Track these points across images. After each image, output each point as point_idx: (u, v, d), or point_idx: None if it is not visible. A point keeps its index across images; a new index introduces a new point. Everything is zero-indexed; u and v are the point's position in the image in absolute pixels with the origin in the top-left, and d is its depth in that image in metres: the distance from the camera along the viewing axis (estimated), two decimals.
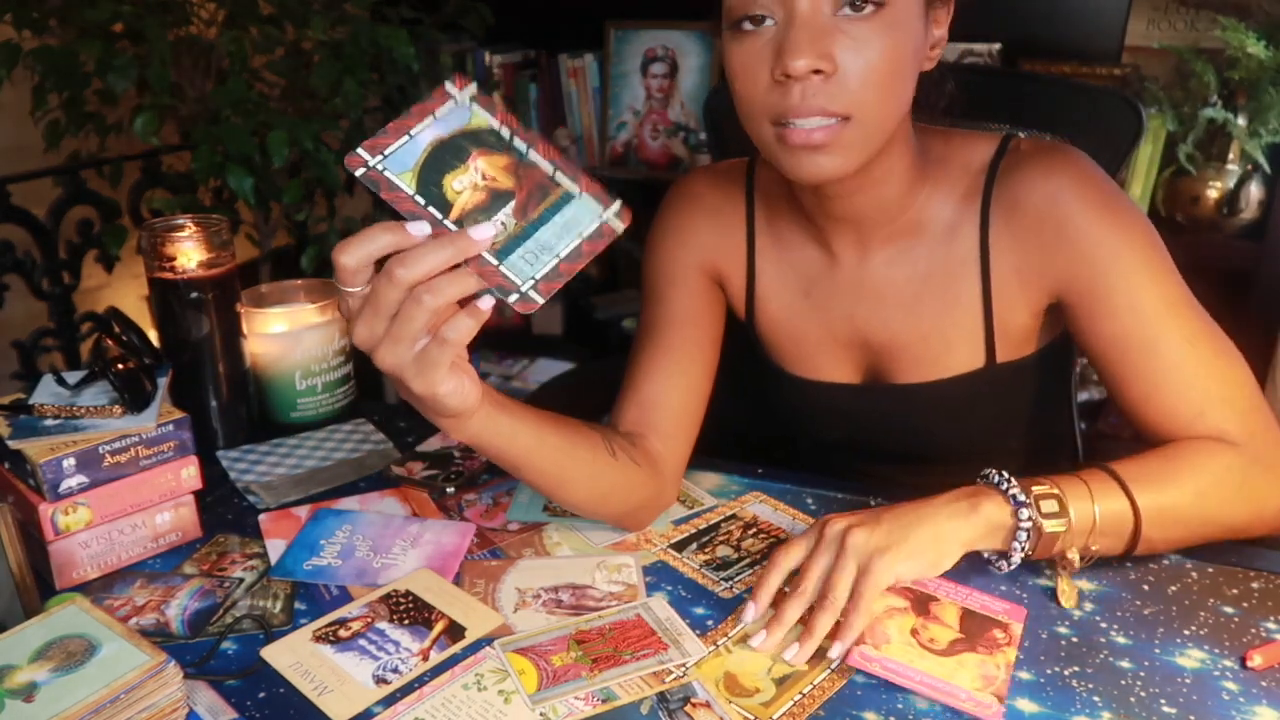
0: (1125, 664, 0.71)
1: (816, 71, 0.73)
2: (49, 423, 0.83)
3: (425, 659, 0.72)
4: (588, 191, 0.64)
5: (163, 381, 0.90)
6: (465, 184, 0.63)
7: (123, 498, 0.83)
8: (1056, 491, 0.76)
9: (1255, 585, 0.80)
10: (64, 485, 0.80)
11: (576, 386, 1.72)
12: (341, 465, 1.02)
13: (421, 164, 0.63)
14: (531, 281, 0.62)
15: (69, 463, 0.80)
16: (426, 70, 2.23)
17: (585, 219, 0.63)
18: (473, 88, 0.65)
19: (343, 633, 0.75)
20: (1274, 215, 1.69)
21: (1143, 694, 0.68)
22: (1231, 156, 1.72)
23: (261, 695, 0.70)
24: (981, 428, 0.96)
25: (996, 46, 1.92)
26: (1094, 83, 1.82)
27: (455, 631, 0.75)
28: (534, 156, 0.64)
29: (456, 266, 0.61)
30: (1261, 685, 0.69)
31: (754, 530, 0.89)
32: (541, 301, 0.62)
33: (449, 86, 0.65)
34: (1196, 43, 1.80)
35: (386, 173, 0.62)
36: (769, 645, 0.73)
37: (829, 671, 0.70)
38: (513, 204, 0.63)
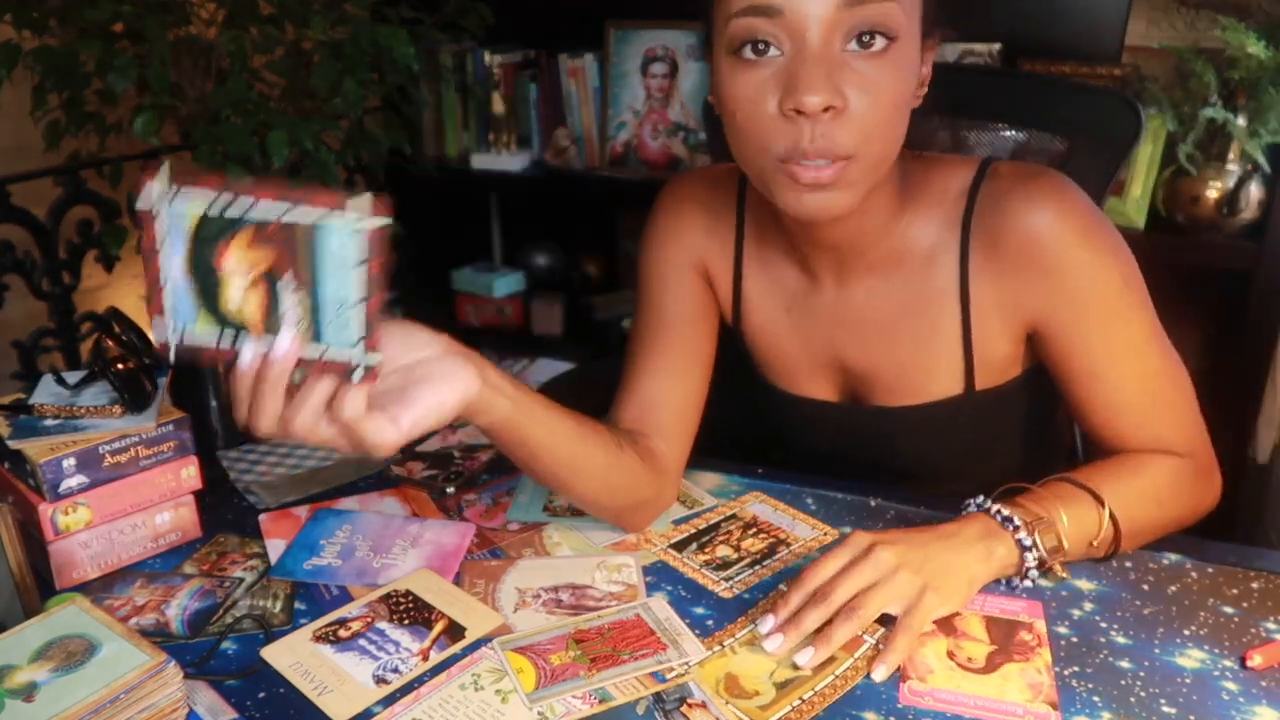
0: (1125, 664, 0.71)
1: (827, 108, 0.71)
2: (49, 423, 0.83)
3: (425, 659, 0.72)
4: (330, 209, 0.58)
5: (162, 381, 0.90)
6: (237, 295, 0.59)
7: (123, 498, 0.83)
8: (1054, 523, 0.78)
9: (1255, 585, 0.80)
10: (64, 485, 0.80)
11: (576, 386, 1.72)
12: (341, 465, 1.02)
13: (198, 302, 0.60)
14: (360, 345, 0.59)
15: (69, 463, 0.80)
16: (426, 70, 2.23)
17: (346, 241, 0.58)
18: (161, 181, 0.60)
19: (343, 633, 0.75)
20: (1274, 215, 1.69)
21: (1143, 694, 0.68)
22: (1231, 156, 1.72)
23: (261, 695, 0.70)
24: (965, 449, 0.96)
25: (996, 46, 1.92)
26: (1094, 83, 1.82)
27: (455, 631, 0.75)
28: (260, 212, 0.59)
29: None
30: (1261, 685, 0.69)
31: (754, 530, 0.89)
32: (380, 358, 0.60)
33: (140, 199, 0.59)
34: (1196, 43, 1.80)
35: (185, 335, 0.60)
36: (782, 649, 0.72)
37: (832, 678, 0.70)
38: (288, 275, 0.59)
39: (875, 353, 0.91)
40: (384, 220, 0.58)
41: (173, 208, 0.60)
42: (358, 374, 0.60)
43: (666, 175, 2.22)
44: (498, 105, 2.30)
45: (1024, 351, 0.90)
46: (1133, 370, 0.84)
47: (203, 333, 0.60)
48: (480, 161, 2.35)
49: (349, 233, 0.58)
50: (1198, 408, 0.87)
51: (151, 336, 0.61)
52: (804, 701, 0.68)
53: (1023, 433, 0.98)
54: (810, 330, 0.93)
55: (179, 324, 0.60)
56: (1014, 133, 1.08)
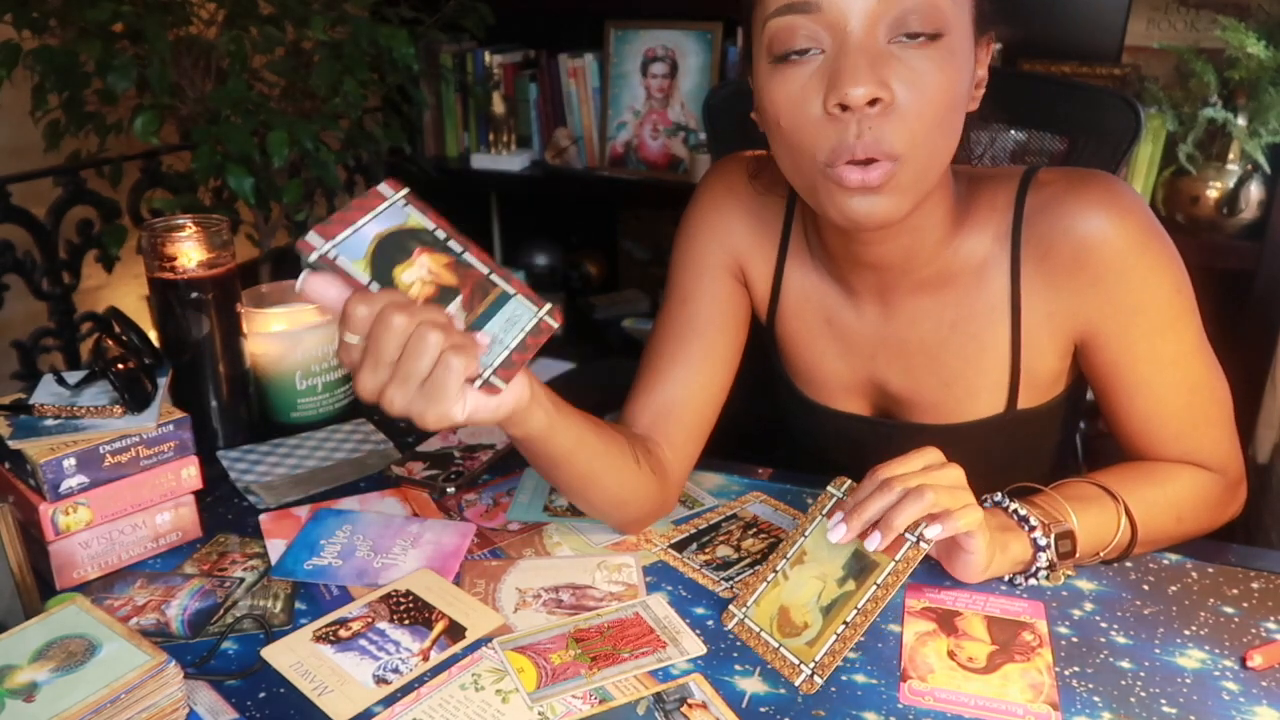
0: (1125, 664, 0.71)
1: (873, 102, 0.68)
2: (49, 423, 0.83)
3: (425, 659, 0.72)
4: (521, 293, 0.67)
5: (163, 381, 0.90)
6: (414, 277, 0.64)
7: (123, 498, 0.83)
8: (1070, 527, 0.77)
9: (1255, 585, 0.80)
10: (64, 485, 0.80)
11: (576, 386, 1.72)
12: (342, 465, 1.02)
13: (371, 254, 0.64)
14: (491, 368, 0.64)
15: (69, 463, 0.80)
16: (426, 70, 2.23)
17: (524, 316, 0.66)
18: (405, 190, 0.67)
19: (343, 633, 0.75)
20: (1274, 215, 1.69)
21: (1143, 694, 0.68)
22: (1231, 156, 1.72)
23: (262, 695, 0.70)
24: (996, 468, 0.91)
25: (997, 46, 1.92)
26: (1094, 83, 1.82)
27: (455, 631, 0.75)
28: (470, 258, 0.66)
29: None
30: (1261, 685, 0.69)
31: (754, 530, 0.89)
32: (503, 388, 0.64)
33: (383, 188, 0.66)
34: (1196, 43, 1.80)
35: (340, 259, 0.63)
36: (846, 538, 0.73)
37: (875, 588, 0.71)
38: (460, 298, 0.65)
39: (918, 375, 0.89)
40: (556, 325, 0.67)
41: (400, 204, 0.66)
42: (480, 380, 0.64)
43: (667, 175, 2.25)
44: (498, 105, 2.30)
45: (1069, 367, 0.88)
46: (1177, 382, 0.82)
47: (356, 269, 0.63)
48: (480, 161, 2.35)
49: (533, 312, 0.67)
50: (1234, 421, 0.86)
51: (300, 245, 0.62)
52: (848, 625, 0.70)
53: (1049, 452, 0.97)
54: (850, 349, 0.91)
55: (339, 248, 0.63)
56: (1014, 132, 1.08)
